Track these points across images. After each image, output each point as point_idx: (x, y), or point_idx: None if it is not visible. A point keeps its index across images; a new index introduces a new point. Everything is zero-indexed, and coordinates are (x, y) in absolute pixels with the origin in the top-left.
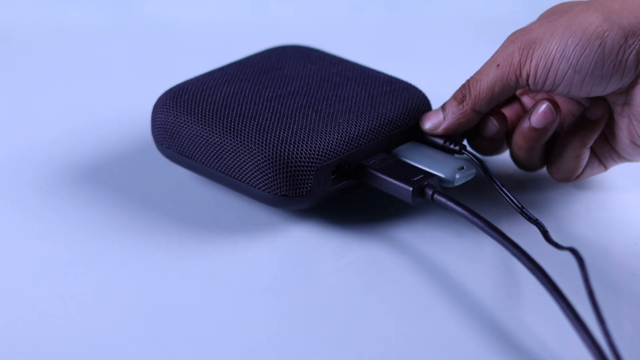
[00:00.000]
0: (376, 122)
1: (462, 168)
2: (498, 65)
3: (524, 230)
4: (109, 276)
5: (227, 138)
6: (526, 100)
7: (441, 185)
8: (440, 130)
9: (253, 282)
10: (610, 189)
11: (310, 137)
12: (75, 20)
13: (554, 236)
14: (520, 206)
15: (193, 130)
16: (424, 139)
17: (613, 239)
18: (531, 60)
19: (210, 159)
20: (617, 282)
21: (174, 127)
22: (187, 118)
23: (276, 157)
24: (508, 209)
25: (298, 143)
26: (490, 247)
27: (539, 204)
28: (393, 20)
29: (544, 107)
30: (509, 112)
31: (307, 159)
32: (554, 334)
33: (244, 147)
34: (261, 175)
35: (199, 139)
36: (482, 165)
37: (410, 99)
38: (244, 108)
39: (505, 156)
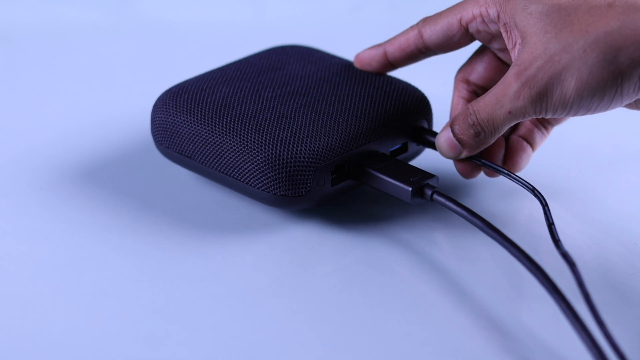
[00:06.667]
0: (376, 122)
1: None
2: (509, 112)
3: (524, 230)
4: (109, 276)
5: (226, 138)
6: None
7: None
8: (463, 155)
9: (253, 282)
10: (610, 188)
11: (309, 137)
12: (75, 20)
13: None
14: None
15: (193, 130)
16: (423, 140)
17: (613, 239)
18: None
19: (210, 159)
20: (617, 282)
21: (173, 126)
22: (187, 118)
23: (276, 157)
24: (508, 209)
25: (297, 143)
26: (490, 247)
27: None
28: (393, 20)
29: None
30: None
31: (307, 159)
32: (554, 334)
33: (244, 147)
34: (261, 175)
35: (198, 139)
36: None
37: (410, 99)
38: (243, 108)
39: None
